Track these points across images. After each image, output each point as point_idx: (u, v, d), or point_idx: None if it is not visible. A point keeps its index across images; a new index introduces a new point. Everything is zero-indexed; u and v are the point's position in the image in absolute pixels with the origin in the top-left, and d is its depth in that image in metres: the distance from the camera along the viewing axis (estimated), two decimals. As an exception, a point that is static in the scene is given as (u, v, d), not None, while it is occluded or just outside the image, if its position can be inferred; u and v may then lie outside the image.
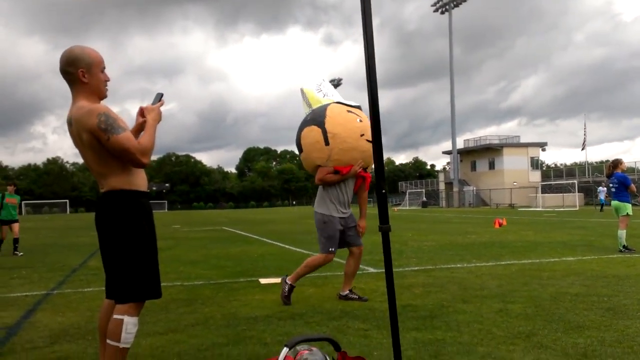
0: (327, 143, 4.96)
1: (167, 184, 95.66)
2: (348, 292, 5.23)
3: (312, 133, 5.05)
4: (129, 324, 2.57)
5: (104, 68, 2.71)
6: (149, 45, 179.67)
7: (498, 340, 3.59)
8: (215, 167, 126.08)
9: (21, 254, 10.94)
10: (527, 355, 3.24)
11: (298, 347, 2.42)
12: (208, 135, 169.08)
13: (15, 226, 11.29)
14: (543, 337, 3.63)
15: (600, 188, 32.62)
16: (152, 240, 2.70)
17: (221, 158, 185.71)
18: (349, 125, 4.96)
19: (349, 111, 5.08)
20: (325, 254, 5.05)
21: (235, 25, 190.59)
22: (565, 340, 3.55)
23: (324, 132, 4.97)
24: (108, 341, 2.56)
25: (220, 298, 5.46)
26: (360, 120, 5.04)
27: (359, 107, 5.24)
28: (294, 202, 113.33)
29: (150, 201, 2.82)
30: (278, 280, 6.51)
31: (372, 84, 2.31)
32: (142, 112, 2.79)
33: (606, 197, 14.33)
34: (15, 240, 11.17)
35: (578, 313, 4.33)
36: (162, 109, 2.81)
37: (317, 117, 5.07)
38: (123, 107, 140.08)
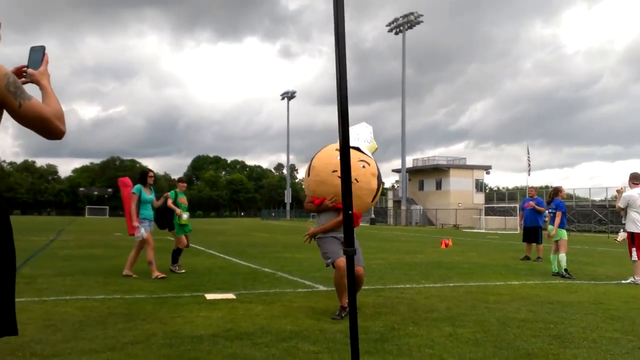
0: (308, 174, 5.55)
1: (109, 189, 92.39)
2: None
3: (307, 165, 5.66)
4: None
5: None
6: (102, 46, 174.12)
7: (450, 367, 3.53)
8: (162, 173, 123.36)
9: (183, 270, 8.79)
10: (479, 384, 3.20)
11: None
12: (157, 140, 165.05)
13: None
14: (494, 365, 3.60)
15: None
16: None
17: (169, 165, 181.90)
18: (326, 160, 5.32)
19: (337, 149, 5.22)
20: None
21: (192, 32, 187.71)
22: (515, 368, 3.54)
23: (309, 165, 5.57)
24: None
25: (162, 314, 5.19)
26: None
27: (357, 149, 5.32)
28: (242, 213, 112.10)
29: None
30: (225, 295, 6.29)
31: (343, 99, 2.22)
32: (19, 72, 2.03)
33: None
34: (178, 252, 9.02)
35: (526, 340, 4.35)
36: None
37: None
38: (70, 107, 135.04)
